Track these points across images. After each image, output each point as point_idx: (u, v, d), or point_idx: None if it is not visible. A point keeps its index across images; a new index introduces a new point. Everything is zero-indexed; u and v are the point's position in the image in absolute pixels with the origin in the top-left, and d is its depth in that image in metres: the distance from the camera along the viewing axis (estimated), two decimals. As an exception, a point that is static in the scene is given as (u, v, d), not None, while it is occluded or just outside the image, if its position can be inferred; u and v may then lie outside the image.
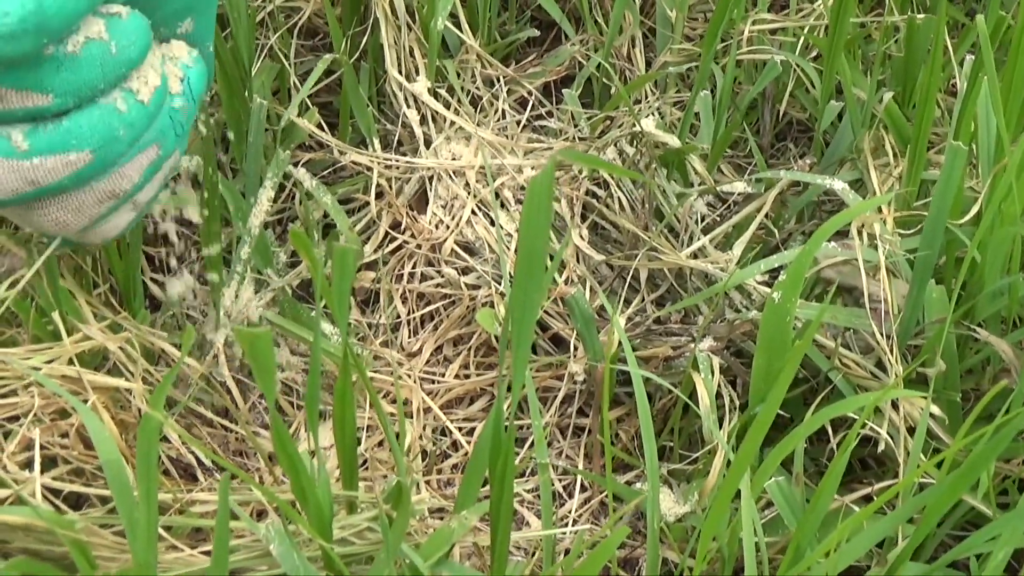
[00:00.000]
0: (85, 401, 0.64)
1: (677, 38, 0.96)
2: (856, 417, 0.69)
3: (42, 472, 0.61)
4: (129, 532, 0.50)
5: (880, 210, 0.77)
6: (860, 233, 0.75)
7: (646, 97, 0.94)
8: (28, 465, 0.61)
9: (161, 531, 0.62)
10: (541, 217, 0.41)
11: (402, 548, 0.55)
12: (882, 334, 0.71)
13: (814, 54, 0.96)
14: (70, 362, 0.66)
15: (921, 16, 0.85)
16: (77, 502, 0.69)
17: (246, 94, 0.83)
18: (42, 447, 0.62)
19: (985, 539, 0.59)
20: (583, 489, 0.75)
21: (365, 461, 0.75)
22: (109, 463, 0.50)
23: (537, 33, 0.98)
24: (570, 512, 0.74)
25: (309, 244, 0.45)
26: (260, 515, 0.69)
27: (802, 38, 0.95)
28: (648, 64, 0.97)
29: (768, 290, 0.76)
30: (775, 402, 0.54)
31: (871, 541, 0.60)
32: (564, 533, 0.71)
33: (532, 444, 0.78)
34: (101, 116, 0.53)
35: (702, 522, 0.67)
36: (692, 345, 0.73)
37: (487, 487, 0.57)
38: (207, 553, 0.59)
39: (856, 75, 0.90)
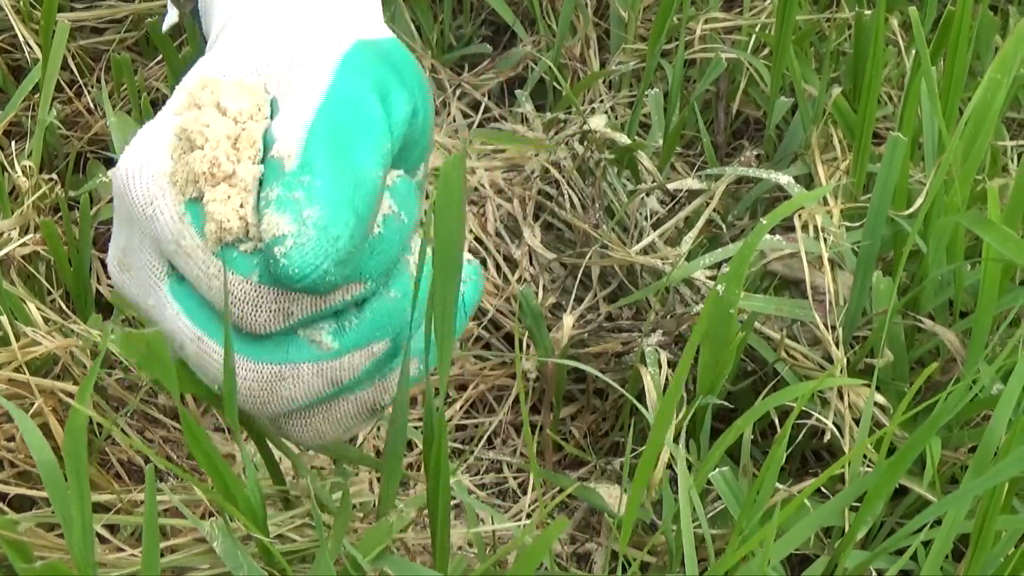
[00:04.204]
0: (32, 406, 0.65)
1: (630, 39, 0.96)
2: (805, 408, 0.69)
3: (-14, 475, 0.62)
4: (65, 529, 0.50)
5: (826, 203, 0.78)
6: (806, 226, 0.75)
7: (600, 97, 0.95)
8: (-29, 468, 0.61)
9: (106, 533, 0.62)
10: (453, 202, 0.41)
11: (343, 544, 0.55)
12: (826, 325, 0.71)
13: (767, 51, 0.97)
14: (18, 368, 0.66)
15: (869, 12, 0.85)
16: (32, 507, 0.69)
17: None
18: (-14, 450, 0.63)
19: (926, 522, 0.59)
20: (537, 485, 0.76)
21: (321, 463, 0.76)
22: (43, 463, 0.50)
23: (489, 49, 0.99)
24: (524, 509, 0.74)
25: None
26: (211, 516, 0.69)
27: (754, 36, 0.95)
28: (603, 65, 0.98)
29: (717, 284, 0.77)
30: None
31: (813, 527, 0.60)
32: (511, 529, 0.71)
33: (482, 441, 0.78)
34: (395, 301, 0.50)
35: (648, 515, 0.68)
36: (641, 340, 0.73)
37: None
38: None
39: (807, 71, 0.91)
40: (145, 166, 0.48)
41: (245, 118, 0.48)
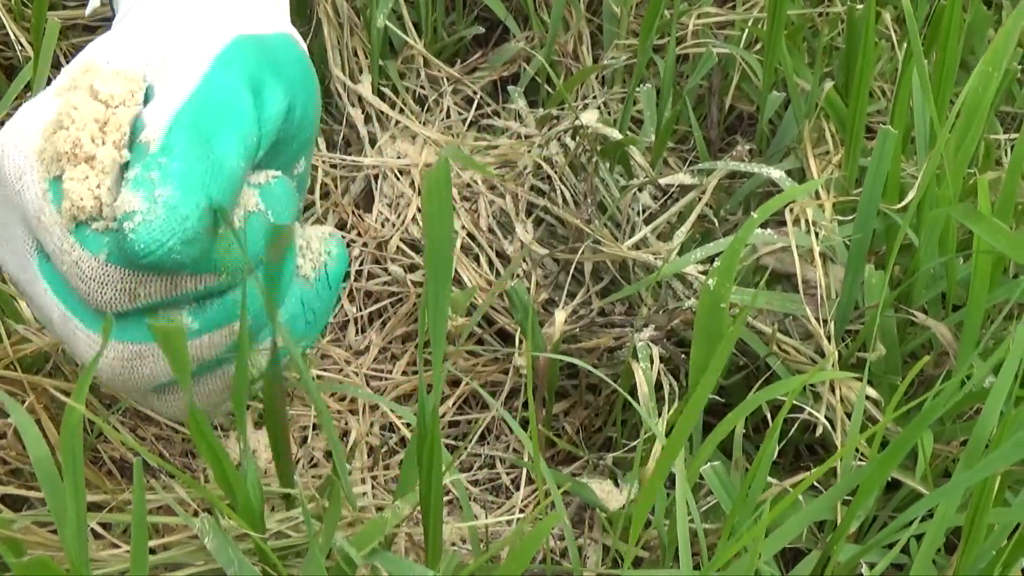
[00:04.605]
0: (23, 403, 0.65)
1: (622, 34, 0.96)
2: (796, 403, 0.69)
3: (-22, 473, 0.61)
4: (59, 526, 0.50)
5: (818, 197, 0.78)
6: (797, 220, 0.75)
7: (592, 93, 0.95)
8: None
9: (100, 530, 0.62)
10: (442, 209, 0.41)
11: (336, 539, 0.55)
12: (818, 319, 0.71)
13: (759, 46, 0.97)
14: (9, 365, 0.66)
15: (861, 6, 0.85)
16: (24, 504, 0.69)
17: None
18: (-22, 448, 0.63)
19: (917, 515, 0.59)
20: (529, 481, 0.76)
21: (313, 459, 0.76)
22: (38, 460, 0.50)
23: (482, 31, 0.99)
24: (517, 504, 0.75)
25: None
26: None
27: (746, 31, 0.95)
28: (595, 60, 0.98)
29: (709, 279, 0.76)
30: (711, 379, 0.55)
31: (806, 521, 0.60)
32: (506, 524, 0.72)
33: (477, 437, 0.78)
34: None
35: (635, 508, 0.68)
36: (633, 335, 0.73)
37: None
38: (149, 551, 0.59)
39: (799, 66, 0.91)
40: (20, 143, 0.49)
41: (116, 103, 0.49)
